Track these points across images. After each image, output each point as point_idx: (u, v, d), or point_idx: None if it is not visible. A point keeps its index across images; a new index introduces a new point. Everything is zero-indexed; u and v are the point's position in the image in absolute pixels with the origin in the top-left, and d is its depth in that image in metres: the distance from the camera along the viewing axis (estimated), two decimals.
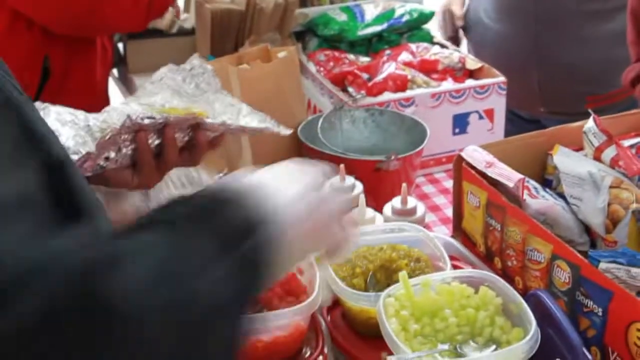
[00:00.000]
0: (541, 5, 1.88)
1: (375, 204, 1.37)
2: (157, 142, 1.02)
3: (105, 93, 1.93)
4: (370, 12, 1.98)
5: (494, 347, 0.95)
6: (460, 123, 1.74)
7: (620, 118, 1.31)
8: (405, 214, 1.31)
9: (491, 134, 1.77)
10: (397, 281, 1.03)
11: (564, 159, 1.14)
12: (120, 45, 2.08)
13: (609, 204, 1.09)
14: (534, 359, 0.92)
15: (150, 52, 1.96)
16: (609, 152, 1.13)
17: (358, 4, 2.02)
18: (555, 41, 1.90)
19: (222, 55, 1.70)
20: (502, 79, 1.74)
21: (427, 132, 1.55)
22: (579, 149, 1.24)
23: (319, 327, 1.09)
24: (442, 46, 1.94)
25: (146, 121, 0.98)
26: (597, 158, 1.15)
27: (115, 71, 2.07)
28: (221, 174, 1.24)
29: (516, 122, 1.99)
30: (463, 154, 1.21)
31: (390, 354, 0.93)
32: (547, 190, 1.19)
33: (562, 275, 1.00)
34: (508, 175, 1.10)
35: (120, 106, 1.08)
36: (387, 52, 1.87)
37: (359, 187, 1.39)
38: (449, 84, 1.75)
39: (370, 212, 1.30)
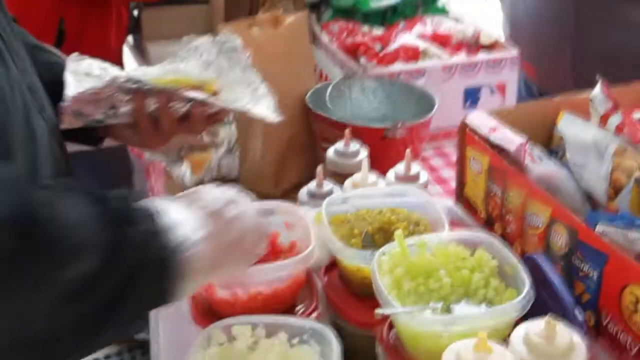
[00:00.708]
0: None
1: (381, 171, 1.36)
2: (153, 107, 1.07)
3: (120, 60, 1.94)
4: None
5: (487, 306, 0.94)
6: (472, 97, 1.72)
7: (632, 87, 1.28)
8: (408, 179, 1.29)
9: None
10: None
11: (568, 125, 1.12)
12: (136, 13, 2.08)
13: (611, 172, 1.07)
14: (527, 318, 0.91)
15: (165, 20, 1.96)
16: (614, 119, 1.11)
17: None
18: (595, 22, 1.74)
19: None
20: (515, 53, 1.72)
21: (437, 103, 1.54)
22: (588, 118, 1.21)
23: (314, 286, 1.09)
24: (457, 20, 1.92)
25: (131, 85, 1.05)
26: (602, 125, 1.14)
27: (130, 38, 2.07)
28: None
29: None
30: (467, 120, 1.20)
31: None
32: (552, 158, 1.17)
33: (560, 239, 0.99)
34: (511, 139, 1.09)
35: (145, 69, 1.14)
36: (401, 24, 1.86)
37: (364, 152, 1.38)
38: (461, 57, 1.73)
39: (372, 177, 1.29)
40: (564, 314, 0.90)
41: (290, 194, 1.38)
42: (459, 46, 1.80)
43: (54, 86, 1.08)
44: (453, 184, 1.57)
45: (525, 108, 1.28)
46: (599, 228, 0.93)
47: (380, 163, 1.40)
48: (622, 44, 1.74)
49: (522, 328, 0.84)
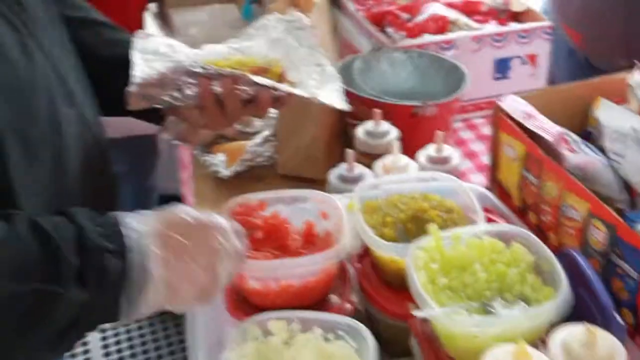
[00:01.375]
0: None
1: (410, 148, 1.34)
2: (219, 90, 1.06)
3: (140, 27, 1.90)
4: None
5: (523, 305, 0.93)
6: (502, 68, 1.68)
7: None
8: (440, 162, 1.28)
9: (533, 80, 1.71)
10: (427, 231, 1.02)
11: (606, 113, 1.09)
12: None
13: None
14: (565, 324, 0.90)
15: None
16: None
17: None
18: None
19: None
20: (547, 23, 1.67)
21: (467, 77, 1.50)
22: (622, 100, 1.18)
23: (347, 274, 1.08)
24: None
25: (198, 69, 1.04)
26: None
27: (152, 6, 2.03)
28: None
29: (584, 70, 1.78)
30: (502, 104, 1.17)
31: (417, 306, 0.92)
32: (588, 144, 1.15)
33: (598, 234, 0.97)
34: (548, 129, 1.06)
35: (213, 47, 1.12)
36: None
37: (394, 132, 1.36)
38: (491, 27, 1.68)
39: (403, 160, 1.27)
40: (602, 315, 0.89)
41: None
42: (489, 14, 1.75)
43: (117, 63, 1.08)
44: (483, 159, 1.55)
45: (559, 90, 1.24)
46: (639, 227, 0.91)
47: (409, 140, 1.38)
48: None
49: (560, 333, 0.83)
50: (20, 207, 0.87)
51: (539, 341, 0.92)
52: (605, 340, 0.80)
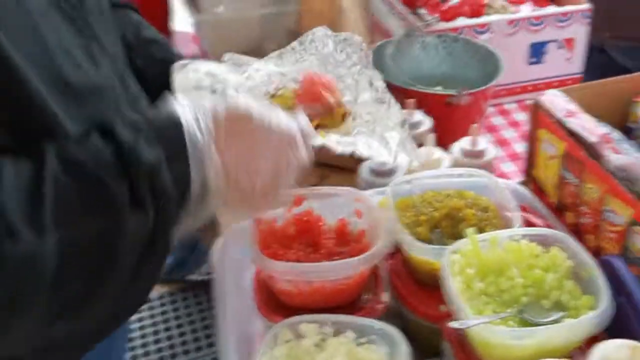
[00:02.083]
0: None
1: (444, 138, 1.32)
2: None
3: (165, 4, 1.88)
4: None
5: (561, 313, 0.91)
6: (537, 52, 1.64)
7: None
8: (474, 155, 1.25)
9: (569, 64, 1.67)
10: (462, 230, 0.99)
11: None
12: None
13: None
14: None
15: None
16: None
17: None
18: None
19: None
20: (586, 5, 1.62)
21: (502, 64, 1.46)
22: None
23: (378, 272, 1.06)
24: None
25: None
26: None
27: None
28: None
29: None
30: (543, 99, 1.13)
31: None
32: (630, 141, 1.11)
33: None
34: (590, 129, 1.03)
35: (262, 70, 1.07)
36: None
37: (428, 123, 1.33)
38: (527, 10, 1.64)
39: (437, 153, 1.25)
40: None
41: None
42: None
43: (166, 84, 1.04)
44: (516, 147, 1.52)
45: (601, 85, 1.20)
46: None
47: (443, 129, 1.36)
48: None
49: (600, 351, 0.81)
50: None
51: (577, 351, 0.90)
52: None
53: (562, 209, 1.12)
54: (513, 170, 1.46)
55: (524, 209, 1.12)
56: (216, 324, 1.05)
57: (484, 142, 1.25)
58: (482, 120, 1.50)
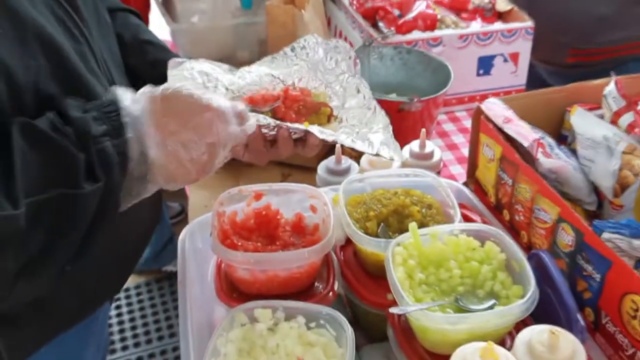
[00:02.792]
0: None
1: (397, 141, 1.33)
2: (272, 133, 1.03)
3: (145, 10, 1.87)
4: None
5: (493, 301, 0.93)
6: (485, 65, 1.66)
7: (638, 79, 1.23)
8: (423, 157, 1.27)
9: (514, 77, 1.70)
10: (407, 226, 1.01)
11: (580, 121, 1.08)
12: None
13: (620, 169, 1.04)
14: (530, 313, 0.90)
15: None
16: (627, 118, 1.07)
17: None
18: None
19: None
20: (529, 23, 1.65)
21: (452, 75, 1.48)
22: (598, 107, 1.17)
23: (331, 263, 1.08)
24: None
25: (262, 122, 1.01)
26: (614, 122, 1.09)
27: None
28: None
29: None
30: (483, 107, 1.16)
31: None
32: (562, 147, 1.14)
33: (566, 237, 0.97)
34: (524, 135, 1.05)
35: (253, 72, 1.07)
36: None
37: None
38: (477, 26, 1.66)
39: None
40: (566, 316, 0.89)
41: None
42: (474, 11, 1.73)
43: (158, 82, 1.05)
44: (464, 151, 1.54)
45: (539, 95, 1.23)
46: (605, 235, 0.90)
47: (395, 134, 1.36)
48: (565, 10, 1.71)
49: (525, 334, 0.83)
50: None
51: (507, 335, 0.92)
52: (567, 341, 0.80)
53: (499, 208, 1.15)
54: (461, 173, 1.49)
55: (464, 206, 1.14)
56: (179, 309, 1.06)
57: (432, 146, 1.27)
58: (433, 126, 1.52)
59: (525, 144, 1.04)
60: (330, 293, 1.03)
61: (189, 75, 1.05)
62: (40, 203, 0.76)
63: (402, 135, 1.37)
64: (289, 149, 1.03)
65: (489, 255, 0.97)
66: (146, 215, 1.13)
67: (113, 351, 2.32)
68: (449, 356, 0.83)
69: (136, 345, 2.35)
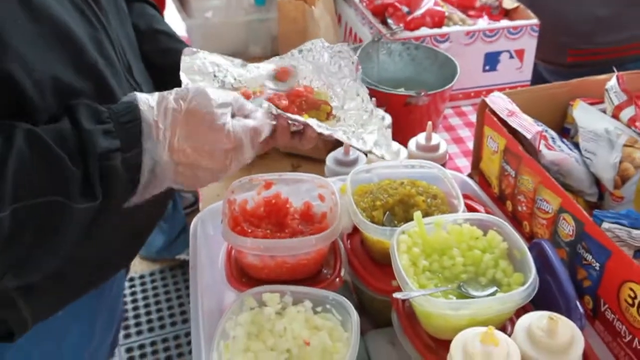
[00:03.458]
0: None
1: (403, 135, 1.33)
2: (273, 122, 1.02)
3: (162, 6, 1.87)
4: None
5: (495, 288, 0.93)
6: (491, 61, 1.66)
7: None
8: (428, 150, 1.26)
9: (519, 73, 1.69)
10: (413, 215, 1.01)
11: (582, 114, 1.08)
12: None
13: (620, 161, 1.03)
14: (531, 300, 0.90)
15: None
16: (628, 112, 1.06)
17: None
18: None
19: None
20: (535, 21, 1.64)
21: (458, 70, 1.48)
22: (600, 101, 1.17)
23: (338, 251, 1.08)
24: None
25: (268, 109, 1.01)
26: (615, 116, 1.09)
27: None
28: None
29: None
30: (487, 100, 1.15)
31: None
32: (564, 140, 1.13)
33: (567, 227, 0.96)
34: (527, 127, 1.05)
35: (258, 67, 1.08)
36: None
37: (388, 119, 1.34)
38: (483, 23, 1.66)
39: (395, 146, 1.26)
40: (566, 304, 0.88)
41: None
42: (481, 9, 1.72)
43: (166, 73, 1.06)
44: (470, 144, 1.54)
45: (542, 90, 1.22)
46: (605, 225, 0.90)
47: (403, 127, 1.37)
48: (565, 11, 1.70)
49: (525, 320, 0.83)
50: None
51: (508, 321, 0.92)
52: (566, 327, 0.80)
53: (502, 199, 1.14)
54: (466, 165, 1.48)
55: (468, 197, 1.14)
56: (191, 292, 1.07)
57: (438, 138, 1.27)
58: (440, 120, 1.51)
59: (528, 136, 1.04)
60: (337, 279, 1.03)
61: (200, 64, 1.06)
62: (28, 208, 0.75)
63: (409, 127, 1.37)
64: (286, 139, 1.03)
65: (491, 244, 0.97)
66: None
67: (128, 335, 2.34)
68: (451, 341, 0.83)
69: (150, 330, 2.36)
